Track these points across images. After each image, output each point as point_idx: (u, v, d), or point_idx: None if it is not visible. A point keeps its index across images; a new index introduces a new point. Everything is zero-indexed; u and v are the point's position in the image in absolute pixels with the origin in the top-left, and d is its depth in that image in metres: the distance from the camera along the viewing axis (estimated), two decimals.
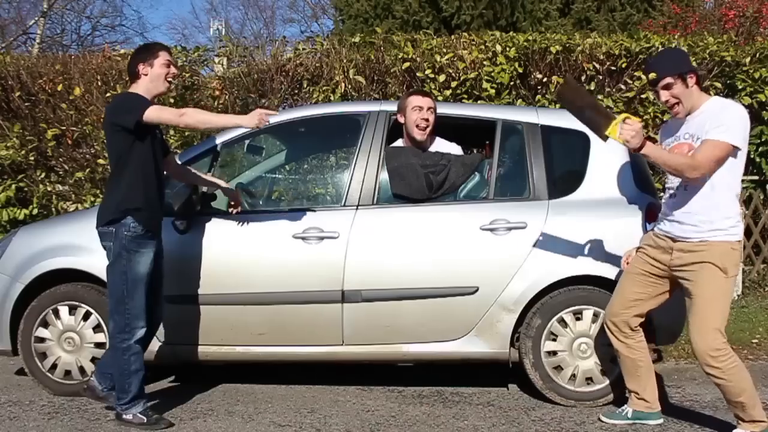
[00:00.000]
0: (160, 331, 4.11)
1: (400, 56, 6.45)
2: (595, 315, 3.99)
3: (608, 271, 3.94)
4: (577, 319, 4.03)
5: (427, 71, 6.34)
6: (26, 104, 6.76)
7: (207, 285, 4.09)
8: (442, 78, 6.32)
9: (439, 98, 6.14)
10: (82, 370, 4.20)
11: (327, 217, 4.12)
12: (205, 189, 4.18)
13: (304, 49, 6.76)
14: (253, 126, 3.61)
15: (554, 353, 4.05)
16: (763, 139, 6.78)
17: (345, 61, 6.47)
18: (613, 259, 3.91)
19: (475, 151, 5.17)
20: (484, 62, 6.35)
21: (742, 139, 3.34)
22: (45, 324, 4.22)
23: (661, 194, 3.82)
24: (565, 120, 4.27)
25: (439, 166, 4.20)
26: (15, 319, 4.23)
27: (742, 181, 3.70)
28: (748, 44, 7.24)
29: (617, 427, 3.71)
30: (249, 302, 4.08)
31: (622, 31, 8.98)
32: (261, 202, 4.83)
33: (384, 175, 4.21)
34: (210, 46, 8.80)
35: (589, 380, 4.05)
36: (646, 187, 4.12)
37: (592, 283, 4.01)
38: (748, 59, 6.65)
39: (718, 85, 6.56)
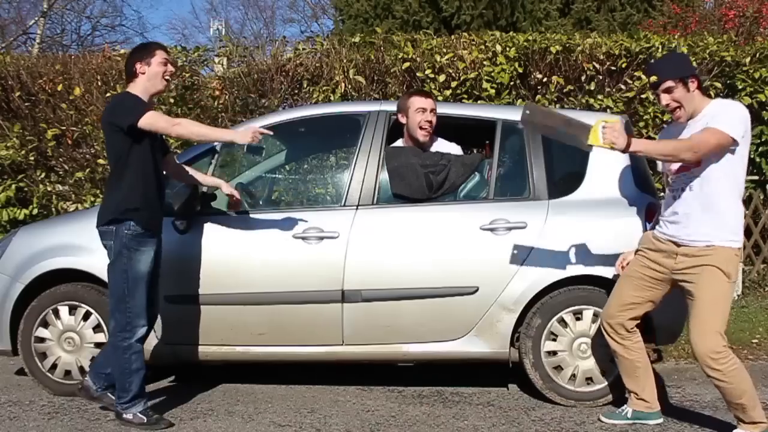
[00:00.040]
0: (160, 331, 4.11)
1: (400, 56, 6.45)
2: (595, 315, 3.98)
3: (608, 271, 3.94)
4: (577, 319, 4.03)
5: (427, 71, 6.34)
6: (26, 104, 6.76)
7: (207, 285, 4.09)
8: (442, 78, 6.32)
9: (439, 98, 6.14)
10: (82, 370, 4.19)
11: (327, 217, 4.12)
12: (205, 189, 4.18)
13: (304, 49, 6.76)
14: (247, 142, 3.63)
15: (554, 353, 4.05)
16: (763, 139, 6.78)
17: (345, 61, 6.47)
18: (614, 259, 3.89)
19: (475, 151, 5.17)
20: (484, 62, 6.35)
21: (741, 135, 3.33)
22: (45, 324, 4.22)
23: (661, 194, 3.81)
24: None
25: (439, 166, 4.20)
26: (15, 319, 4.23)
27: None
28: (748, 44, 7.24)
29: (617, 427, 3.71)
30: (249, 302, 4.08)
31: (622, 31, 8.98)
32: (261, 202, 4.83)
33: (384, 175, 4.21)
34: (210, 46, 8.80)
35: (589, 380, 4.05)
36: (646, 187, 4.12)
37: (592, 283, 4.00)
38: (748, 59, 6.65)
39: (718, 85, 6.56)
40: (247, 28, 27.45)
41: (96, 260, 4.00)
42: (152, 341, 4.07)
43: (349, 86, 6.40)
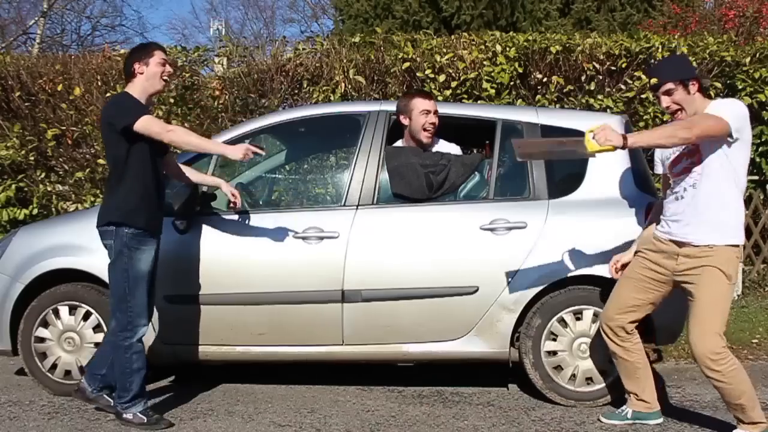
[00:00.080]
0: (160, 331, 4.11)
1: (400, 56, 6.44)
2: (595, 315, 3.98)
3: (608, 271, 3.94)
4: (577, 319, 4.03)
5: (427, 71, 6.34)
6: (26, 104, 6.76)
7: (207, 285, 4.09)
8: (442, 78, 6.32)
9: (439, 98, 6.14)
10: (82, 370, 4.18)
11: (327, 217, 4.12)
12: (205, 189, 4.18)
13: (304, 49, 6.76)
14: (238, 159, 3.64)
15: (554, 353, 4.05)
16: (763, 139, 6.78)
17: (345, 61, 6.47)
18: None
19: (475, 151, 5.17)
20: (484, 62, 6.35)
21: (737, 129, 3.30)
22: (45, 324, 4.22)
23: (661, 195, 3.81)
24: (565, 120, 4.30)
25: (439, 165, 4.20)
26: (15, 319, 4.23)
27: None
28: (748, 44, 7.24)
29: (617, 428, 3.71)
30: (249, 302, 4.08)
31: (622, 31, 8.97)
32: (261, 202, 4.83)
33: (384, 175, 4.20)
34: (210, 46, 8.81)
35: (589, 380, 4.05)
36: (646, 187, 4.12)
37: (592, 283, 4.00)
38: (748, 59, 6.65)
39: (718, 85, 6.56)
40: (247, 28, 27.48)
41: (96, 260, 4.01)
42: (151, 341, 4.07)
43: (349, 86, 6.40)
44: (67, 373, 4.24)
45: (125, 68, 3.79)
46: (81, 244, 4.14)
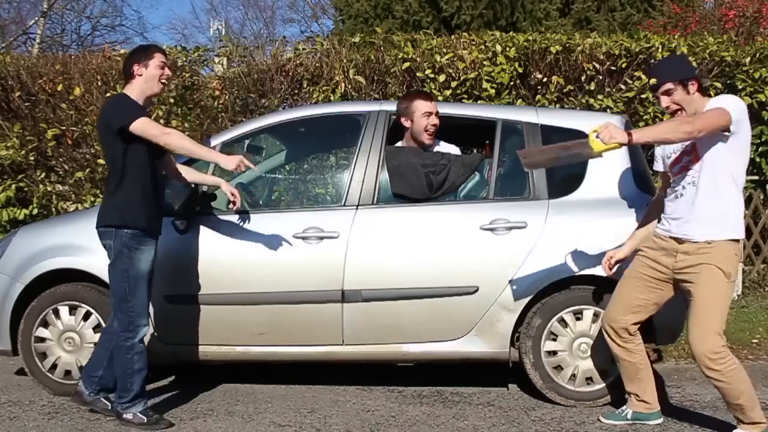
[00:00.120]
0: (160, 331, 4.11)
1: (400, 56, 6.45)
2: (596, 315, 3.98)
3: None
4: (578, 319, 4.03)
5: (427, 71, 6.34)
6: (26, 104, 6.76)
7: (207, 285, 4.09)
8: (442, 78, 6.32)
9: (439, 98, 6.14)
10: (82, 370, 4.19)
11: (327, 217, 4.12)
12: (205, 189, 4.18)
13: (304, 49, 6.76)
14: (230, 169, 3.66)
15: (554, 353, 4.05)
16: (763, 139, 6.78)
17: (345, 61, 6.47)
18: None
19: (475, 151, 5.17)
20: (484, 62, 6.35)
21: (737, 120, 3.30)
22: (45, 324, 4.22)
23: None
24: (565, 120, 4.30)
25: (439, 165, 4.20)
26: (15, 319, 4.23)
27: None
28: (748, 44, 7.24)
29: (617, 428, 3.71)
30: (249, 302, 4.08)
31: (622, 31, 8.97)
32: (261, 202, 4.83)
33: (384, 175, 4.20)
34: (210, 46, 8.82)
35: (589, 380, 4.05)
36: (646, 186, 4.12)
37: (593, 283, 4.00)
38: (748, 59, 6.65)
39: (718, 85, 6.56)
40: (247, 28, 27.49)
41: (96, 260, 4.00)
42: (151, 341, 4.06)
43: (349, 86, 6.40)
44: (67, 373, 4.24)
45: (124, 69, 3.80)
46: (81, 244, 4.14)
